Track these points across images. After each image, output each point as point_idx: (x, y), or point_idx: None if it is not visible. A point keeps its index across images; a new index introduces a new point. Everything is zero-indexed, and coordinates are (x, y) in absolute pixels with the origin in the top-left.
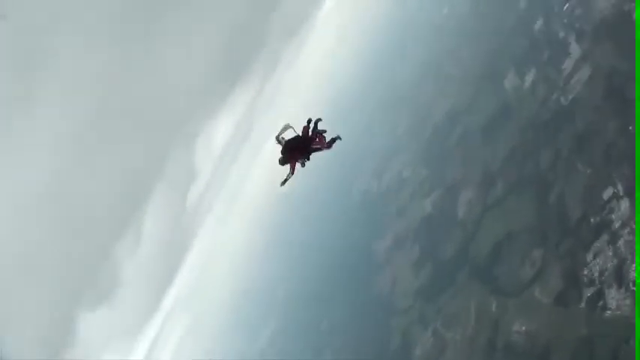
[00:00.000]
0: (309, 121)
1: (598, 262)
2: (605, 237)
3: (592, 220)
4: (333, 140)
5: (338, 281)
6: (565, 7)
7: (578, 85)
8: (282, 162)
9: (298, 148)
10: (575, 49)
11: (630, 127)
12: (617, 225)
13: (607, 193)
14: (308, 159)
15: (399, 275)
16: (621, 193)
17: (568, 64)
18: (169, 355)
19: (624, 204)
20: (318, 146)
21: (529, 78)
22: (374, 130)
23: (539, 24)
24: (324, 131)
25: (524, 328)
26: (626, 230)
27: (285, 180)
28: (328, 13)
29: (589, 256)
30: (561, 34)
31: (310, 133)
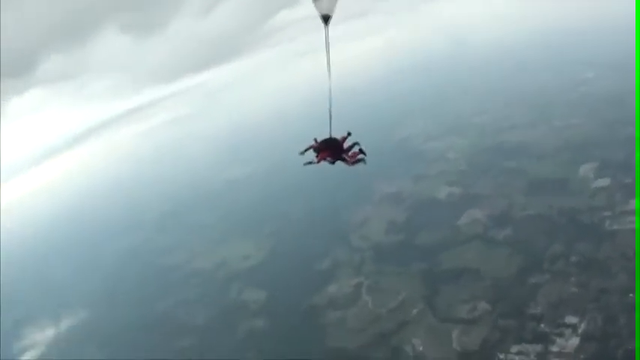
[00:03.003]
0: (349, 134)
1: (517, 357)
2: (538, 347)
3: (542, 325)
4: (359, 162)
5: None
6: None
7: (628, 225)
8: (314, 150)
9: (332, 149)
10: None
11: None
12: (554, 348)
13: (571, 319)
14: (333, 163)
15: (376, 217)
16: (580, 330)
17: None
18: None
19: (574, 341)
20: (347, 159)
21: (601, 182)
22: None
23: None
24: (360, 156)
25: (421, 348)
26: None
27: (310, 163)
28: None
29: (514, 348)
30: None
31: (346, 146)
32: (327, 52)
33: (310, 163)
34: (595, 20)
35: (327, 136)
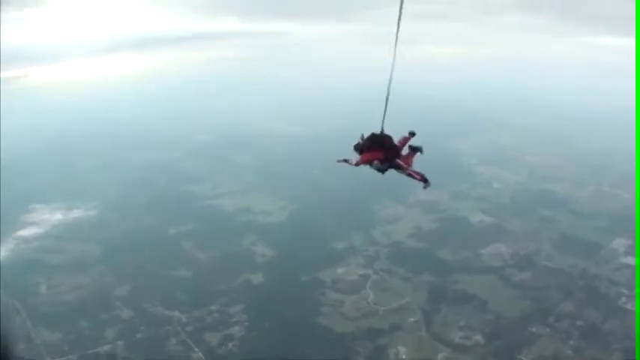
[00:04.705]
0: (412, 134)
1: None
2: None
3: None
4: (423, 179)
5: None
6: None
7: None
8: (356, 149)
9: (381, 150)
10: None
11: None
12: None
13: None
14: (382, 171)
15: (405, 219)
16: None
17: None
18: None
19: None
20: (403, 165)
21: (629, 260)
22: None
23: None
24: (418, 150)
25: (404, 357)
26: None
27: (345, 161)
28: None
29: None
30: None
31: (404, 151)
32: (398, 28)
33: (346, 161)
34: None
35: (376, 130)
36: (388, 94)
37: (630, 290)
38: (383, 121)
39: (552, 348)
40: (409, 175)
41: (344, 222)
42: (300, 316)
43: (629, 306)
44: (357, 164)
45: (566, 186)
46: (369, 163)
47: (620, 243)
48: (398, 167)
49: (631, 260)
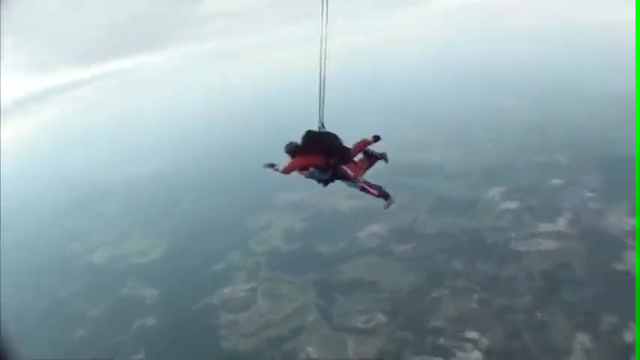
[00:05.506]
0: (375, 138)
1: None
2: None
3: (442, 339)
4: (382, 193)
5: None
6: None
7: (535, 247)
8: (288, 151)
9: (323, 154)
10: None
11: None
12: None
13: (472, 334)
14: (323, 182)
15: (276, 224)
16: (482, 345)
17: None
18: None
19: (476, 354)
20: (352, 176)
21: (508, 205)
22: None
23: None
24: (380, 157)
25: (315, 356)
26: None
27: (271, 166)
28: None
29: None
30: None
31: (358, 156)
32: (325, 11)
33: (272, 167)
34: (522, 51)
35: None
36: (322, 86)
37: (517, 232)
38: (321, 114)
39: (458, 307)
40: (362, 189)
41: (218, 242)
42: (202, 346)
43: (521, 248)
44: (285, 171)
45: (431, 152)
46: (304, 169)
47: (496, 191)
48: (345, 178)
49: (510, 205)
